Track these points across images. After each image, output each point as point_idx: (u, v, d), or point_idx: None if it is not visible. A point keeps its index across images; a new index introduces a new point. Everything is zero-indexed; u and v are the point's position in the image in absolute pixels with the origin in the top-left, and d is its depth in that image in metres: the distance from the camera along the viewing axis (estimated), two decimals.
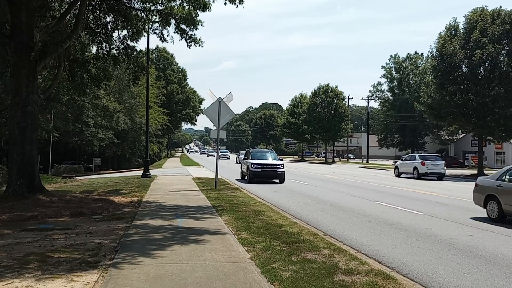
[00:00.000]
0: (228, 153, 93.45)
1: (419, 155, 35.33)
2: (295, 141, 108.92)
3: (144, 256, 7.31)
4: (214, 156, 48.85)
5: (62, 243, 8.31)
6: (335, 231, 10.51)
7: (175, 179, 26.42)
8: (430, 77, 41.88)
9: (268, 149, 58.17)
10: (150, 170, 28.33)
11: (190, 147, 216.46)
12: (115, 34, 18.80)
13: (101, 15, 18.06)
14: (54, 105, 32.93)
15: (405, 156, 39.12)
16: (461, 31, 37.87)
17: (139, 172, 31.07)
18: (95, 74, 19.23)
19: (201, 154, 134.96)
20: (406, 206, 15.21)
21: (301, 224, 10.99)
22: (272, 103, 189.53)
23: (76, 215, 11.41)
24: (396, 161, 52.74)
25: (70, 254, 7.41)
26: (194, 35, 18.68)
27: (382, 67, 72.74)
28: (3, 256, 7.24)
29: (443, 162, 33.39)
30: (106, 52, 18.71)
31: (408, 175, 33.50)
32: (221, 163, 30.49)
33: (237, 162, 51.40)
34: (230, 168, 42.29)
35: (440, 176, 31.97)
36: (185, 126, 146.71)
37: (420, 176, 31.90)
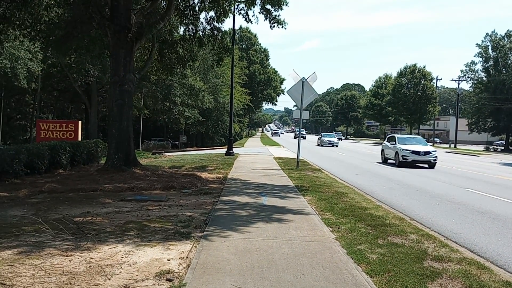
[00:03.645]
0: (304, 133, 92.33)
1: (323, 133, 62.68)
2: (377, 123, 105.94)
3: (231, 230, 7.63)
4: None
5: (156, 214, 8.90)
6: (422, 217, 10.21)
7: (257, 158, 26.95)
8: None
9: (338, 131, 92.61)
10: (233, 149, 29.07)
11: (270, 127, 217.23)
12: (202, 15, 19.33)
13: None
14: (145, 84, 34.72)
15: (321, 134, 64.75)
16: None
17: (222, 150, 32.06)
18: (182, 55, 19.95)
19: (295, 138, 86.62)
20: (500, 195, 14.33)
21: (386, 208, 10.80)
22: (354, 84, 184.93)
23: (168, 189, 12.11)
24: (488, 147, 56.97)
25: (164, 225, 7.92)
26: (279, 15, 18.59)
27: (477, 45, 67.79)
28: (106, 223, 7.92)
29: (335, 136, 59.68)
30: (192, 34, 19.31)
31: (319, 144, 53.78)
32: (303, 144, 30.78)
33: (318, 145, 53.91)
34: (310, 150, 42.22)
35: (336, 144, 52.39)
36: (266, 106, 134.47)
37: (322, 144, 52.85)
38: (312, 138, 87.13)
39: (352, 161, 28.85)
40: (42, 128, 20.28)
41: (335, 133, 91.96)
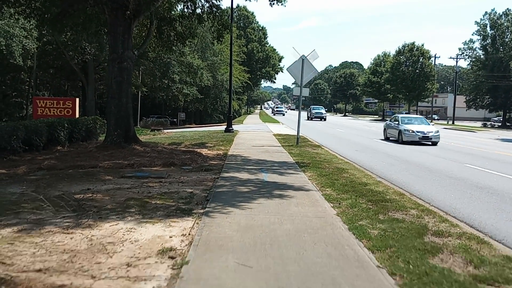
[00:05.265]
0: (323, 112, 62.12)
1: (312, 107, 61.75)
2: (376, 101, 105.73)
3: (233, 207, 7.62)
4: None
5: (157, 190, 8.87)
6: (422, 192, 10.23)
7: (256, 134, 26.89)
8: None
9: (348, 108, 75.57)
10: (232, 126, 28.96)
11: (269, 104, 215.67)
12: None
13: None
14: (143, 62, 34.37)
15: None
16: None
17: (221, 127, 31.97)
18: (181, 31, 19.68)
19: (309, 119, 61.20)
20: (498, 170, 14.36)
21: (386, 184, 10.81)
22: (352, 62, 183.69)
23: (168, 165, 12.07)
24: (486, 123, 57.86)
25: (165, 201, 7.90)
26: None
27: (476, 22, 67.53)
28: (107, 200, 7.90)
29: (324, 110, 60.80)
30: (191, 11, 19.03)
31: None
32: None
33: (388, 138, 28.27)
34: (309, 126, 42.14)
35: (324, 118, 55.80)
36: (264, 84, 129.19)
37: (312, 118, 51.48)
38: (335, 120, 66.54)
39: (351, 137, 28.85)
40: (39, 105, 20.13)
41: (313, 108, 65.00)
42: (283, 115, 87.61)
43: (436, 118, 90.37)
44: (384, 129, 28.05)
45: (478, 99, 69.87)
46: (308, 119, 57.48)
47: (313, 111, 61.01)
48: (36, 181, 9.59)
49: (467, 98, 72.12)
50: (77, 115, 20.17)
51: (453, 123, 67.94)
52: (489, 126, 66.31)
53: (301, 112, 21.52)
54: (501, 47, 65.15)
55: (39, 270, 4.61)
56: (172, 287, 4.33)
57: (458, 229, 6.81)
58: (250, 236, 6.00)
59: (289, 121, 54.03)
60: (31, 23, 25.01)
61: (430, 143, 24.19)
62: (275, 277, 4.63)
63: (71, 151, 14.56)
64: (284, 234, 6.12)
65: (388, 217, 7.30)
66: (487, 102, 68.70)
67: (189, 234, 6.02)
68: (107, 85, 16.58)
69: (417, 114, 59.23)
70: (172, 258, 5.12)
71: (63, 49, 33.60)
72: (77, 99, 21.38)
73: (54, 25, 16.82)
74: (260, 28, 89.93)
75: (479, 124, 72.02)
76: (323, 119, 58.62)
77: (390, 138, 26.30)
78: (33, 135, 13.78)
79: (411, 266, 5.06)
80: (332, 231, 6.39)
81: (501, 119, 69.29)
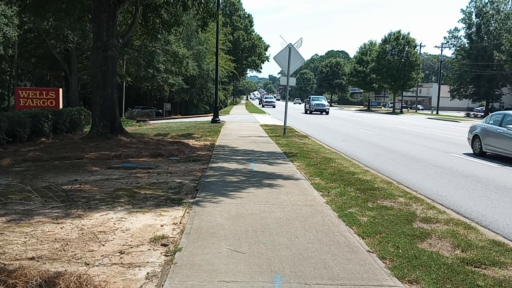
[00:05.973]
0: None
1: (312, 97, 54.30)
2: (362, 91, 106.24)
3: (223, 196, 7.64)
4: None
5: (146, 181, 8.84)
6: (409, 181, 10.36)
7: (243, 125, 26.88)
8: None
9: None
10: (219, 116, 28.86)
11: (255, 95, 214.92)
12: None
13: None
14: (127, 51, 33.94)
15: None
16: None
17: (207, 118, 31.89)
18: (166, 19, 19.43)
19: (308, 112, 50.73)
20: (482, 159, 14.59)
21: (373, 173, 10.92)
22: (338, 51, 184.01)
23: (155, 156, 12.02)
24: (469, 113, 58.55)
25: (155, 192, 7.89)
26: None
27: (462, 10, 68.02)
28: (95, 191, 7.85)
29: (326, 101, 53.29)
30: None
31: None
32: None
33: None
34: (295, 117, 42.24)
35: (326, 111, 48.00)
36: (250, 73, 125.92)
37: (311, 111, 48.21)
38: (341, 114, 55.84)
39: (338, 128, 29.00)
40: (22, 96, 19.79)
41: (313, 98, 53.24)
42: (274, 107, 74.43)
43: (420, 108, 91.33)
44: (474, 136, 16.00)
45: (462, 89, 70.63)
46: (306, 113, 49.66)
47: (313, 103, 49.84)
48: (21, 172, 9.48)
49: (451, 88, 72.87)
50: (60, 106, 19.87)
51: (437, 113, 68.67)
52: (472, 116, 67.17)
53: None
54: (485, 36, 65.77)
55: (32, 258, 4.59)
56: (166, 272, 4.35)
57: (446, 216, 6.94)
58: (242, 224, 6.03)
59: (277, 112, 49.97)
60: (12, 9, 24.42)
61: None
62: (268, 262, 4.68)
63: (56, 142, 14.36)
64: (275, 222, 6.17)
65: (376, 204, 7.40)
66: (471, 92, 69.53)
67: (180, 223, 6.03)
68: (91, 75, 16.30)
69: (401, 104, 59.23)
70: (164, 245, 5.13)
71: (45, 37, 32.99)
72: (61, 90, 21.04)
73: (36, 11, 16.43)
74: (247, 15, 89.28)
75: (462, 114, 73.00)
76: (324, 113, 48.00)
77: (488, 153, 15.33)
78: (17, 126, 13.58)
79: (400, 251, 5.16)
80: (322, 218, 6.45)
81: (484, 109, 70.27)
